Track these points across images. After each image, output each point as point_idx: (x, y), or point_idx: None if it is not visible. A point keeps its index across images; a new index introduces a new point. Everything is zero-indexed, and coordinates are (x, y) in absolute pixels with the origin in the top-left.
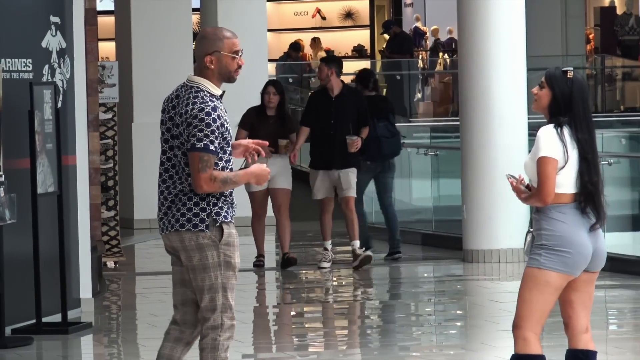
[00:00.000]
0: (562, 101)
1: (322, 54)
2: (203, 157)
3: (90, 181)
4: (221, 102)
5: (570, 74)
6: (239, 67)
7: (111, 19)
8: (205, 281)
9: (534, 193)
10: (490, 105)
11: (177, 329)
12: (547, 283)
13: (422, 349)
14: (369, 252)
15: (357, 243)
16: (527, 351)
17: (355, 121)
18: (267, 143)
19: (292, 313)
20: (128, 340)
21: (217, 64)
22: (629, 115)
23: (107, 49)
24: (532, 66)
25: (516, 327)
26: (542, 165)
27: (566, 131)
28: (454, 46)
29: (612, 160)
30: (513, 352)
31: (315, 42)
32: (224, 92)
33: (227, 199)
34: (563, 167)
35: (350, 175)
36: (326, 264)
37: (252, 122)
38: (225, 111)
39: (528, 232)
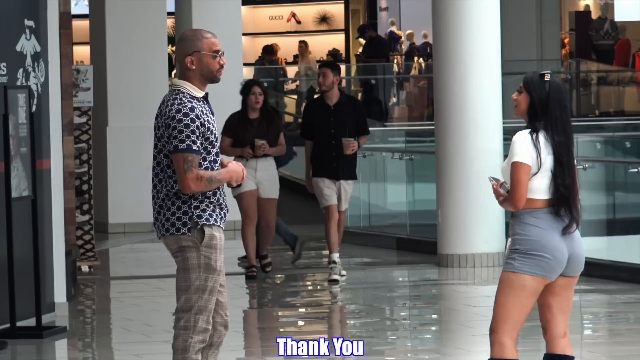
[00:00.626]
0: (538, 105)
1: (313, 57)
2: (187, 157)
3: (65, 185)
4: (206, 104)
5: (547, 77)
6: (221, 66)
7: (86, 23)
8: (183, 282)
9: (506, 197)
10: (465, 109)
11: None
12: (522, 287)
13: (397, 353)
14: (344, 272)
15: (335, 256)
16: (503, 356)
17: (354, 130)
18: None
19: (265, 317)
20: (102, 345)
21: (198, 64)
22: (604, 119)
23: (81, 52)
24: (507, 70)
25: (493, 331)
26: (514, 170)
27: (542, 136)
28: (429, 50)
29: (587, 165)
30: (489, 357)
31: (305, 46)
32: (206, 94)
33: (212, 200)
34: (536, 173)
35: (349, 188)
36: (337, 276)
37: (235, 128)
38: (212, 113)
39: (508, 236)
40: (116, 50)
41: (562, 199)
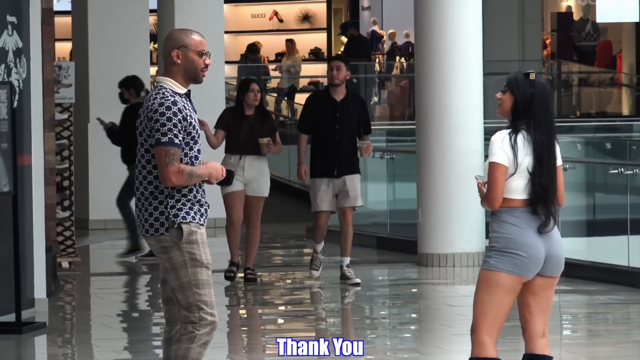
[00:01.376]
0: (522, 104)
1: (299, 56)
2: (169, 150)
3: (46, 181)
4: (188, 101)
5: (532, 77)
6: (206, 66)
7: (68, 19)
8: (176, 281)
9: (483, 197)
10: (446, 109)
11: (167, 329)
12: (498, 284)
13: (376, 352)
14: (358, 280)
15: (347, 260)
16: (482, 355)
17: (358, 126)
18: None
19: (245, 315)
20: (82, 341)
21: (183, 59)
22: (585, 120)
23: (63, 49)
24: (489, 71)
25: (473, 330)
26: (491, 170)
27: (521, 136)
28: (410, 50)
29: (567, 166)
30: (470, 356)
31: (292, 44)
32: (189, 90)
33: (189, 198)
34: (514, 173)
35: (357, 182)
36: (358, 279)
37: (229, 124)
38: (195, 111)
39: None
40: (98, 47)
41: (539, 198)
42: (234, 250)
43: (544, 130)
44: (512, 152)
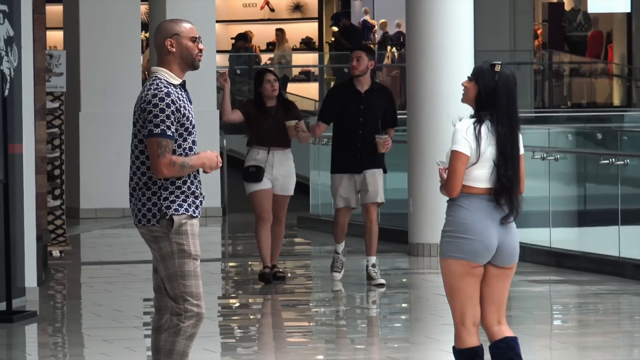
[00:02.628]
0: (485, 95)
1: (289, 45)
2: (161, 142)
3: (37, 170)
4: (183, 92)
5: (497, 68)
6: (200, 50)
7: (59, 8)
8: (164, 271)
9: (442, 184)
10: (437, 99)
11: (156, 317)
12: (451, 273)
13: (366, 342)
14: (382, 280)
15: (372, 259)
16: (458, 345)
17: (382, 119)
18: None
19: (236, 304)
20: (72, 330)
21: (178, 47)
22: (576, 111)
23: (55, 37)
24: (480, 61)
25: (453, 321)
26: (452, 159)
27: (485, 127)
28: (402, 40)
29: (558, 156)
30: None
31: (281, 34)
32: (184, 81)
33: (183, 190)
34: (475, 163)
35: (378, 177)
36: (382, 280)
37: (249, 114)
38: (190, 101)
39: None
40: (89, 36)
41: (504, 189)
42: (265, 254)
43: (506, 122)
44: (476, 142)
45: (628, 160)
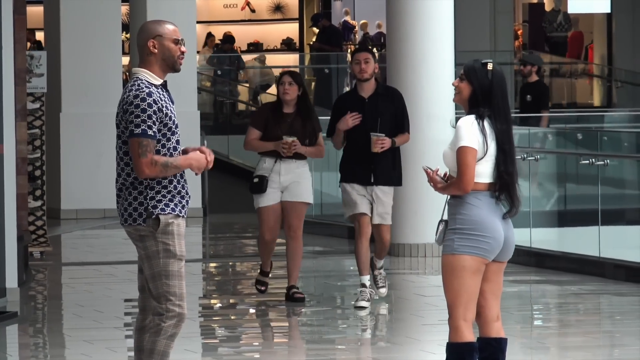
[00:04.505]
0: (481, 93)
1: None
2: (142, 142)
3: (17, 171)
4: (165, 92)
5: (489, 66)
6: (182, 53)
7: (40, 9)
8: (149, 270)
9: (453, 182)
10: (418, 99)
11: (140, 317)
12: (463, 268)
13: (348, 342)
14: (364, 303)
15: (379, 263)
16: (457, 340)
17: (392, 126)
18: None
19: (218, 305)
20: (54, 330)
21: (160, 48)
22: (556, 111)
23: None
24: (461, 61)
25: (449, 316)
26: (462, 154)
27: (487, 123)
28: (382, 40)
29: (538, 156)
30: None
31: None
32: (165, 82)
33: (169, 189)
34: (482, 157)
35: (385, 198)
36: (364, 303)
37: (267, 122)
38: (172, 102)
39: (440, 221)
40: (70, 37)
41: (504, 185)
42: (265, 258)
43: (504, 119)
44: (482, 136)
45: (608, 161)
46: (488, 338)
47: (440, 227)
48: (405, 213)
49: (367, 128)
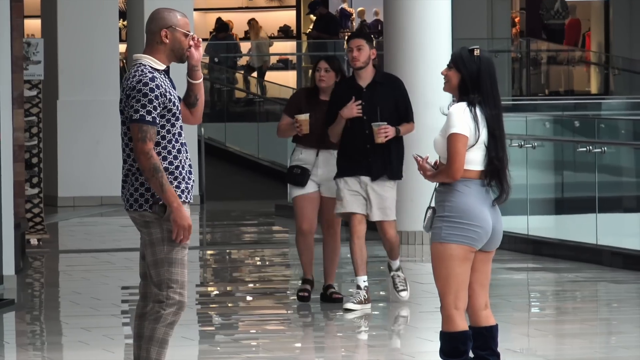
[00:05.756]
0: (469, 80)
1: (263, 35)
2: (142, 127)
3: (15, 158)
4: (167, 77)
5: (477, 52)
6: (190, 47)
7: None
8: (152, 256)
9: (442, 169)
10: (415, 87)
11: (141, 304)
12: (451, 256)
13: (345, 329)
14: (353, 305)
15: (395, 263)
16: (450, 329)
17: (394, 115)
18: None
19: (215, 292)
20: (51, 318)
21: (171, 39)
22: (554, 98)
23: (32, 26)
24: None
25: (441, 306)
26: (452, 141)
27: (478, 109)
28: (380, 28)
29: (536, 144)
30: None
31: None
32: (168, 67)
33: (175, 175)
34: (473, 145)
35: (388, 190)
36: (352, 305)
37: (300, 107)
38: (174, 87)
39: (428, 208)
40: (67, 24)
41: (495, 171)
42: (306, 265)
43: (493, 105)
44: (474, 123)
45: (605, 148)
46: (478, 327)
47: (429, 214)
48: (401, 200)
49: (366, 119)
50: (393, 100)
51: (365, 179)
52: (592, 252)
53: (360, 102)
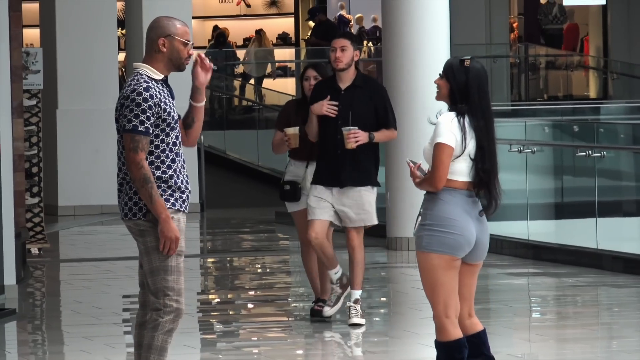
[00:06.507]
0: (457, 90)
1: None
2: (134, 137)
3: (15, 168)
4: (165, 87)
5: (467, 63)
6: (189, 56)
7: (35, 6)
8: (148, 265)
9: (426, 178)
10: (413, 93)
11: (140, 313)
12: (433, 267)
13: (345, 336)
14: (360, 320)
15: (356, 294)
16: (444, 338)
17: (372, 120)
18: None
19: (216, 300)
20: (52, 327)
21: (169, 48)
22: (552, 103)
23: (31, 35)
24: (456, 54)
25: (433, 315)
26: (437, 151)
27: (467, 120)
28: (378, 34)
29: (535, 149)
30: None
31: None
32: (166, 77)
33: (170, 184)
34: (459, 156)
35: (364, 195)
36: (359, 320)
37: (290, 120)
38: (173, 97)
39: (419, 214)
40: (66, 33)
41: (482, 183)
42: (314, 284)
43: (481, 116)
44: (461, 134)
45: (604, 153)
46: (467, 336)
47: (419, 220)
48: (401, 207)
49: (340, 122)
50: (372, 105)
51: (336, 189)
52: (593, 257)
53: (336, 103)
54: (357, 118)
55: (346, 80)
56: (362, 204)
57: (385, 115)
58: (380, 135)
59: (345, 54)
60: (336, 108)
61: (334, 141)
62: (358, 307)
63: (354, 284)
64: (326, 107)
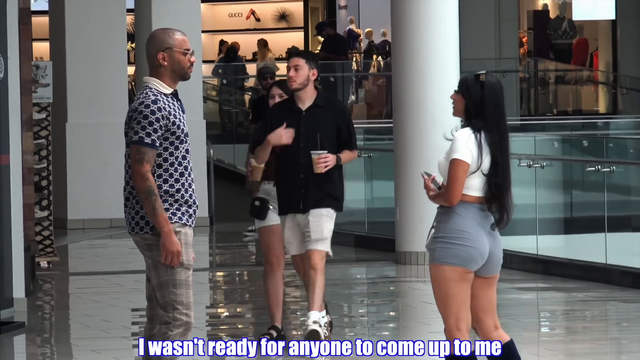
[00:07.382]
0: (472, 105)
1: (272, 55)
2: (140, 149)
3: (24, 181)
4: (175, 101)
5: (482, 77)
6: (191, 64)
7: (45, 19)
8: (156, 279)
9: (441, 193)
10: (423, 107)
11: (148, 326)
12: (445, 279)
13: (355, 349)
14: (316, 327)
15: (313, 315)
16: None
17: (334, 141)
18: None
19: (225, 314)
20: (61, 340)
21: (169, 61)
22: (562, 118)
23: (41, 48)
24: (466, 69)
25: (444, 329)
26: (453, 167)
27: (483, 136)
28: (387, 48)
29: (544, 163)
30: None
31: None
32: (176, 91)
33: (176, 198)
34: (475, 171)
35: (324, 220)
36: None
37: (260, 137)
38: (183, 111)
39: (432, 227)
40: (75, 47)
41: (494, 197)
42: (273, 309)
43: (496, 131)
44: (477, 150)
45: (614, 167)
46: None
47: (431, 233)
48: (411, 221)
49: (303, 145)
50: (334, 126)
51: (300, 215)
52: (602, 272)
53: (292, 130)
54: (323, 140)
55: (306, 100)
56: (320, 226)
57: (349, 137)
58: (345, 157)
59: (299, 73)
60: (293, 134)
61: (296, 166)
62: (321, 328)
63: (312, 304)
64: (286, 136)
